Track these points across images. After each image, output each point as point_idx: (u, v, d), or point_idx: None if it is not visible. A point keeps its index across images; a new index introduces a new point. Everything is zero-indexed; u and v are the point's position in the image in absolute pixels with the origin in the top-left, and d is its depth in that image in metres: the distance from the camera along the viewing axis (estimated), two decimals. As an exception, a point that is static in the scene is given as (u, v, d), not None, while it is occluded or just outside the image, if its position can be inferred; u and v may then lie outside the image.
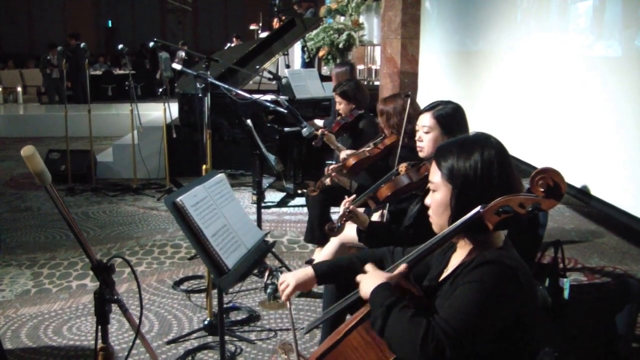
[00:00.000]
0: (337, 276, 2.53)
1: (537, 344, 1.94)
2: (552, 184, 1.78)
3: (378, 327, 1.80)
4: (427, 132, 3.31)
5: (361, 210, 3.45)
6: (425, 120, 3.31)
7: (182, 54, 16.41)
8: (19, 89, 16.25)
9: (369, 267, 2.03)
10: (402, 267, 1.95)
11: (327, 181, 4.43)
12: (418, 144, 3.39)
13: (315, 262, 4.49)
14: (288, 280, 2.44)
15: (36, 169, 1.60)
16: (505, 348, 1.84)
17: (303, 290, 2.54)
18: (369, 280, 1.93)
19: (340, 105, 5.33)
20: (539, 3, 4.82)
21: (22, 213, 6.87)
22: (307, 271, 2.47)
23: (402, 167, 3.44)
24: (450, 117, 3.28)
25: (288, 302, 2.45)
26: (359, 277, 2.00)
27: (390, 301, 1.80)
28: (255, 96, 4.74)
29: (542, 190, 1.79)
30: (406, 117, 3.99)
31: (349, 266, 2.46)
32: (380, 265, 2.42)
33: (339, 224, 3.32)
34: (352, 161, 4.36)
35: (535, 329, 1.89)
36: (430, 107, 3.35)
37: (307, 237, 5.10)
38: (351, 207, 3.25)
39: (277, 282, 4.35)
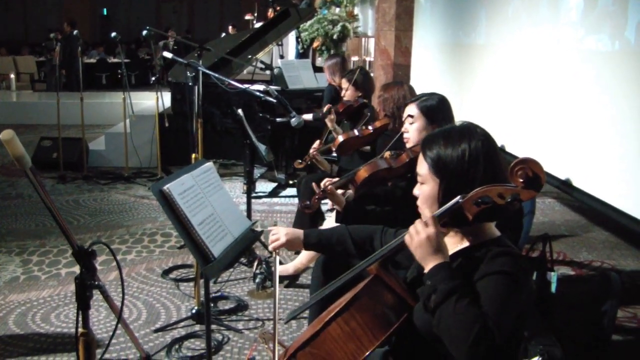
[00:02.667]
0: (325, 249, 2.58)
1: (522, 335, 1.94)
2: (531, 174, 1.77)
3: (435, 302, 1.76)
4: (412, 123, 3.37)
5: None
6: (411, 111, 3.38)
7: (171, 42, 16.29)
8: (12, 75, 16.14)
9: (431, 228, 1.84)
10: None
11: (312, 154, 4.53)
12: (405, 134, 3.43)
13: (301, 254, 4.56)
14: (280, 235, 2.54)
15: (15, 154, 1.60)
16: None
17: (290, 248, 2.61)
18: (430, 250, 1.82)
19: (347, 92, 5.34)
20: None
21: (13, 200, 6.85)
22: (298, 233, 2.55)
23: (387, 154, 3.48)
24: (434, 108, 3.33)
25: (274, 253, 2.54)
26: (419, 235, 1.84)
27: (457, 282, 1.76)
28: (245, 86, 4.74)
29: (521, 180, 1.78)
30: (403, 105, 4.08)
31: (339, 242, 2.49)
32: (370, 243, 2.44)
33: (312, 202, 3.39)
34: (340, 139, 4.38)
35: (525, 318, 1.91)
36: (416, 98, 3.43)
37: (295, 224, 5.10)
38: (329, 187, 3.29)
39: (265, 272, 4.40)
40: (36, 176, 1.67)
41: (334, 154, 4.84)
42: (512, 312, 1.78)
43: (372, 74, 9.01)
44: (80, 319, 1.78)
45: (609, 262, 5.17)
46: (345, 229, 2.54)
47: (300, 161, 4.62)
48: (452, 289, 1.75)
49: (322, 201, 3.68)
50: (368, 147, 4.75)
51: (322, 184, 3.37)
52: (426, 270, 1.83)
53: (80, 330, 1.78)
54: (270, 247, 2.53)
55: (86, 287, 1.75)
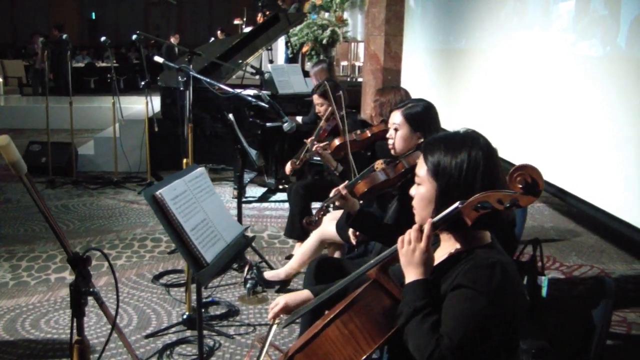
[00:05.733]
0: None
1: (518, 338, 1.95)
2: (530, 180, 1.79)
3: (401, 323, 1.85)
4: (396, 130, 3.33)
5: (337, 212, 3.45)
6: (396, 118, 3.33)
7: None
8: (0, 79, 16.05)
9: (422, 243, 1.88)
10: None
11: (308, 155, 4.42)
12: (389, 141, 3.40)
13: (292, 259, 4.53)
14: (279, 299, 2.49)
15: (11, 159, 1.59)
16: (495, 344, 1.84)
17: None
18: (414, 262, 1.89)
19: (322, 107, 5.13)
20: (522, 2, 4.85)
21: (2, 205, 6.80)
22: (302, 294, 2.52)
23: (378, 163, 3.45)
24: (419, 115, 3.28)
25: (273, 322, 2.45)
26: (409, 246, 1.89)
27: (419, 304, 1.82)
28: (237, 90, 4.73)
29: (520, 186, 1.80)
30: None
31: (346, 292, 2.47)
32: None
33: (317, 218, 3.32)
34: (336, 142, 4.37)
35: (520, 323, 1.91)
36: (402, 105, 3.37)
37: (287, 232, 5.10)
38: (343, 192, 3.18)
39: (256, 277, 4.39)
40: (32, 182, 1.66)
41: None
42: (475, 332, 1.77)
43: (360, 79, 9.05)
44: (75, 326, 1.77)
45: (598, 266, 5.19)
46: (350, 284, 2.52)
47: (296, 161, 4.54)
48: (414, 312, 1.82)
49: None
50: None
51: (333, 192, 3.27)
52: (405, 281, 1.90)
53: (75, 337, 1.77)
54: (269, 315, 2.47)
55: (81, 294, 1.74)
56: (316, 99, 5.19)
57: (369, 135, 4.30)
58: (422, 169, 2.01)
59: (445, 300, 1.84)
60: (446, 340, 1.75)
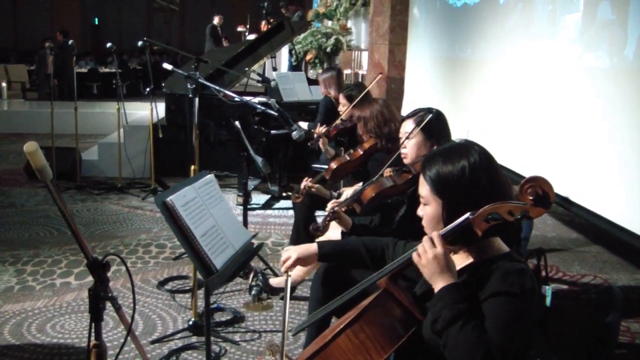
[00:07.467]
0: (340, 259, 2.56)
1: (531, 346, 1.97)
2: (541, 192, 1.81)
3: (440, 326, 1.81)
4: (409, 138, 3.37)
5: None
6: (408, 127, 3.38)
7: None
8: (4, 84, 16.05)
9: (438, 247, 1.88)
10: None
11: (307, 188, 4.46)
12: (402, 150, 3.44)
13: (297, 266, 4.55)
14: (290, 253, 2.50)
15: (38, 165, 1.62)
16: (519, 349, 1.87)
17: (303, 265, 2.57)
18: (439, 268, 1.86)
19: (343, 108, 5.38)
20: (529, 12, 4.88)
21: (6, 209, 6.82)
22: (311, 247, 2.52)
23: (387, 172, 3.49)
24: (431, 122, 3.34)
25: (287, 274, 2.47)
26: (426, 254, 1.87)
27: (462, 307, 1.80)
28: (246, 98, 4.75)
29: (531, 198, 1.82)
30: (383, 121, 4.16)
31: (353, 252, 2.49)
32: (381, 255, 2.46)
33: (323, 224, 3.35)
34: (333, 166, 4.43)
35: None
36: (413, 114, 3.43)
37: (292, 240, 5.12)
38: (336, 209, 3.27)
39: (261, 284, 4.40)
40: (57, 188, 1.69)
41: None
42: (518, 336, 1.80)
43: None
44: (93, 330, 1.79)
45: (602, 275, 5.20)
46: (358, 239, 2.56)
47: (297, 195, 4.60)
48: (456, 315, 1.79)
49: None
50: None
51: (328, 206, 3.35)
52: (435, 290, 1.87)
53: (92, 341, 1.79)
54: (282, 269, 2.50)
55: (99, 299, 1.77)
56: (342, 99, 5.46)
57: (361, 153, 4.36)
58: (424, 188, 2.02)
59: (485, 308, 1.84)
60: (494, 347, 1.75)
